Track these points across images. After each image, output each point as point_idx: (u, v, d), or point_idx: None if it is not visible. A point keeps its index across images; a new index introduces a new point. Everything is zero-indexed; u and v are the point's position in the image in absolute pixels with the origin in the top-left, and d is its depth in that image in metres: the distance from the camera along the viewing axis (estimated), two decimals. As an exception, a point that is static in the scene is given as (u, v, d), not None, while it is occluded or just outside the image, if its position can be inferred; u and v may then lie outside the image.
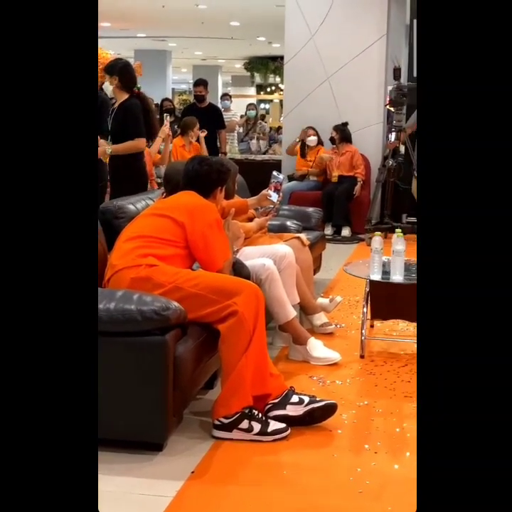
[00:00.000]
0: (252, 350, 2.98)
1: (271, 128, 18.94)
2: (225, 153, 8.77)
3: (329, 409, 3.11)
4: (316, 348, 3.94)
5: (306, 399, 3.11)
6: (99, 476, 2.63)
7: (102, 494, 2.54)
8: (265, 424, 2.99)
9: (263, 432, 2.97)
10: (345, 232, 8.34)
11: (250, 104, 11.43)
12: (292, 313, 3.94)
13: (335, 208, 8.36)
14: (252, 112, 11.07)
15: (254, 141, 11.17)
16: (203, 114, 8.40)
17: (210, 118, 8.53)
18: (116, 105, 5.16)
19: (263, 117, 18.30)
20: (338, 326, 4.64)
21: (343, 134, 8.56)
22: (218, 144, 8.68)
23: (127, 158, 4.94)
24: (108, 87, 5.13)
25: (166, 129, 6.29)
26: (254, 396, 3.02)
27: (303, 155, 8.90)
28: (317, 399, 3.14)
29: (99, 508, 2.45)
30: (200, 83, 8.84)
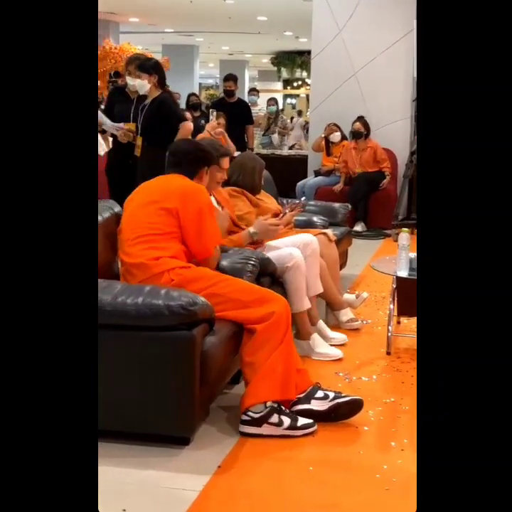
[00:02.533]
0: (282, 350, 2.99)
1: (306, 122, 18.90)
2: (252, 149, 8.77)
3: (355, 405, 3.10)
4: (319, 344, 3.94)
5: (332, 394, 3.11)
6: (127, 469, 2.67)
7: (129, 487, 2.57)
8: (294, 419, 2.99)
9: (293, 427, 2.96)
10: (358, 227, 8.10)
11: (271, 99, 11.40)
12: (306, 306, 3.92)
13: (353, 188, 8.31)
14: (273, 108, 11.06)
15: (275, 135, 11.17)
16: (231, 108, 8.42)
17: (239, 113, 8.53)
18: (146, 102, 5.35)
19: (300, 113, 18.20)
20: (365, 322, 4.62)
21: (367, 127, 8.48)
22: (246, 138, 8.68)
23: (159, 151, 5.02)
24: (144, 85, 5.27)
25: (214, 123, 6.46)
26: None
27: (328, 153, 8.86)
28: (342, 394, 3.14)
29: (127, 500, 2.48)
30: (230, 78, 8.86)
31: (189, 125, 5.34)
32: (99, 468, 2.66)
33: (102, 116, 5.52)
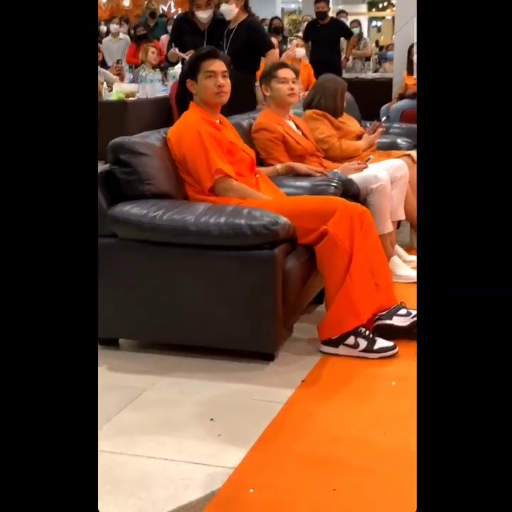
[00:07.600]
0: (354, 268, 2.95)
1: (382, 46, 18.32)
2: (347, 59, 8.67)
3: (438, 323, 3.10)
4: (399, 266, 3.93)
5: (414, 312, 3.12)
6: (216, 382, 2.78)
7: (218, 399, 2.68)
8: (372, 342, 3.00)
9: (369, 349, 2.99)
10: None
11: (354, 21, 11.11)
12: (388, 229, 3.89)
13: None
14: (356, 30, 10.76)
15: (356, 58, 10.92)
16: (325, 30, 8.33)
17: (334, 32, 8.44)
18: (232, 26, 5.25)
19: None
20: (450, 243, 4.57)
21: None
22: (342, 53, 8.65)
23: (246, 75, 5.00)
24: (232, 10, 5.18)
25: (292, 52, 6.44)
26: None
27: (410, 72, 8.62)
28: (427, 313, 3.14)
29: (216, 411, 2.59)
30: None
31: (276, 53, 5.29)
32: (190, 381, 2.80)
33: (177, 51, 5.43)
